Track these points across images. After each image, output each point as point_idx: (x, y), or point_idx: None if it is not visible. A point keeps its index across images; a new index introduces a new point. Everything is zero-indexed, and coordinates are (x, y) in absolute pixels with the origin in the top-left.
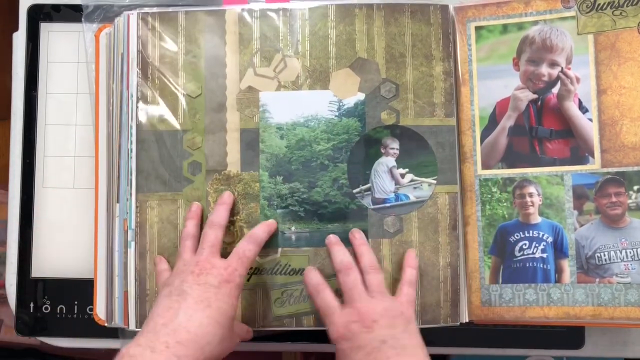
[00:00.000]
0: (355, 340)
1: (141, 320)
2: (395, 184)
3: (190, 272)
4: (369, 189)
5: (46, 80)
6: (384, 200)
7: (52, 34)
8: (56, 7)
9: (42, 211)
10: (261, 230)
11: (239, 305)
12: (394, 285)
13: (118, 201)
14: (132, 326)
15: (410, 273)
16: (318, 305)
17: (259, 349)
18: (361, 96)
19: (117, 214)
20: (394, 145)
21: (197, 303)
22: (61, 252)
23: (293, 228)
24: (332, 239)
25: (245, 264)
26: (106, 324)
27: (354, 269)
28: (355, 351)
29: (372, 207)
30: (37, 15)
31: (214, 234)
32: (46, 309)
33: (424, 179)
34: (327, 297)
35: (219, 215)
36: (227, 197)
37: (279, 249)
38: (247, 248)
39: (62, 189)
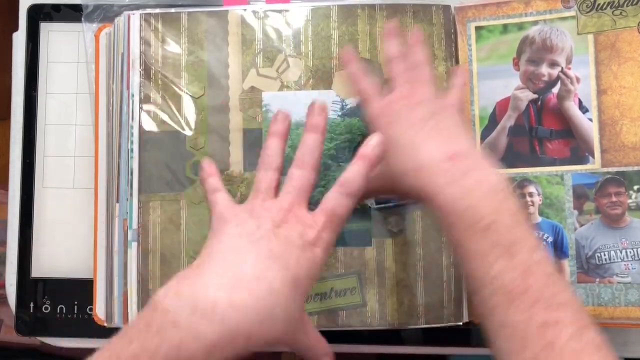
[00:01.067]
0: (396, 115)
1: None
2: None
3: (271, 218)
4: None
5: (46, 80)
6: (388, 200)
7: (52, 34)
8: (56, 7)
9: (42, 211)
10: (355, 173)
11: None
12: (398, 285)
13: (118, 201)
14: None
15: (458, 80)
16: (359, 90)
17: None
18: None
19: (117, 214)
20: None
21: (273, 260)
22: (61, 252)
23: None
24: (385, 30)
25: (335, 225)
26: (106, 324)
27: (407, 60)
28: (397, 124)
29: (376, 206)
30: (37, 15)
31: (303, 176)
32: (46, 309)
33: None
34: (370, 84)
35: (310, 149)
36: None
37: None
38: (338, 203)
39: (62, 189)
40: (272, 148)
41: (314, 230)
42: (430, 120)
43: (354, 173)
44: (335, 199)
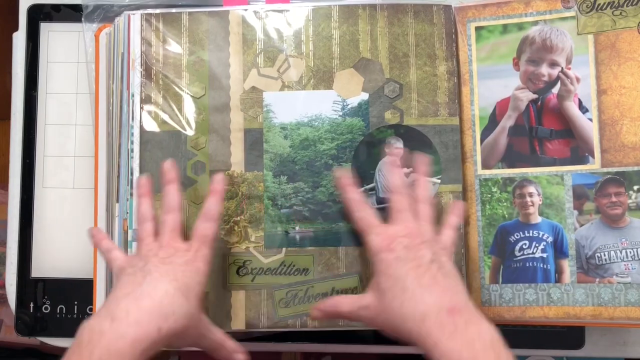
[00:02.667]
0: (402, 252)
1: None
2: None
3: (154, 255)
4: (373, 189)
5: (46, 80)
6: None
7: (52, 34)
8: (56, 7)
9: (42, 211)
10: (213, 204)
11: (243, 305)
12: None
13: (118, 201)
14: None
15: (453, 220)
16: (358, 218)
17: (259, 349)
18: (365, 96)
19: (117, 214)
20: (398, 144)
21: (163, 276)
22: (61, 252)
23: (297, 228)
24: (389, 160)
25: (207, 243)
26: None
27: (410, 195)
28: (402, 263)
29: (377, 206)
30: (37, 15)
31: (171, 218)
32: (46, 309)
33: (428, 178)
34: (370, 212)
35: (171, 197)
36: (171, 171)
37: (284, 249)
38: (204, 227)
39: (62, 189)
40: (143, 206)
41: (190, 252)
42: (433, 264)
43: (210, 204)
44: (202, 225)
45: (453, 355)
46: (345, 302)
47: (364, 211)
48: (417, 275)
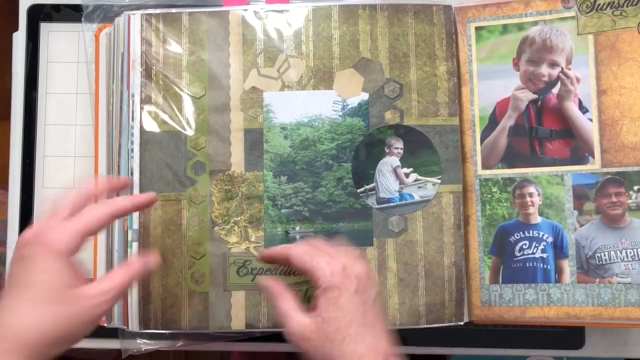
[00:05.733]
0: (355, 285)
1: (145, 322)
2: (400, 184)
3: (16, 248)
4: (373, 189)
5: (46, 80)
6: (389, 200)
7: (52, 34)
8: (56, 7)
9: (42, 211)
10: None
11: (243, 305)
12: (399, 285)
13: None
14: (133, 327)
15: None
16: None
17: (259, 349)
18: (365, 96)
19: None
20: (398, 144)
21: (13, 287)
22: None
23: (297, 228)
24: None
25: (84, 225)
26: (106, 325)
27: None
28: (355, 295)
29: (377, 206)
30: (37, 15)
31: (63, 198)
32: None
33: (428, 179)
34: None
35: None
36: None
37: None
38: (93, 208)
39: (62, 188)
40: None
41: (41, 229)
42: (375, 303)
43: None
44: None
45: None
46: (289, 301)
47: (301, 246)
48: (362, 313)
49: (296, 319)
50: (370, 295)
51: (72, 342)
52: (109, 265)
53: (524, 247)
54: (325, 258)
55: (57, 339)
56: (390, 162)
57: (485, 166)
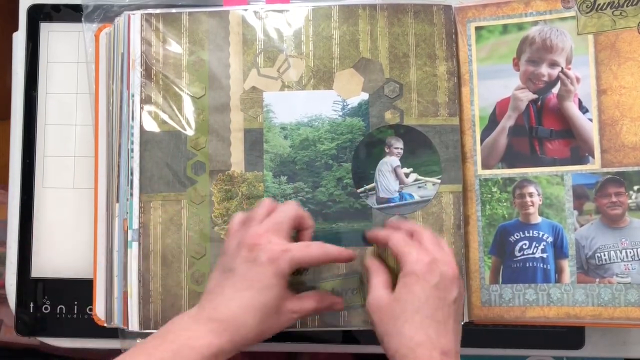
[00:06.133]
0: (436, 279)
1: (145, 322)
2: (400, 184)
3: (245, 246)
4: (373, 189)
5: (46, 80)
6: (389, 200)
7: (52, 34)
8: (56, 7)
9: (42, 211)
10: (336, 253)
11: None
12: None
13: (118, 201)
14: (133, 327)
15: None
16: (395, 241)
17: (259, 349)
18: (365, 96)
19: (117, 214)
20: (398, 144)
21: (241, 282)
22: (61, 252)
23: None
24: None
25: (304, 257)
26: (106, 324)
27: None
28: (430, 289)
29: (377, 206)
30: (37, 15)
31: (284, 214)
32: (46, 309)
33: (428, 179)
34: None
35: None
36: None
37: None
38: (315, 249)
39: (62, 189)
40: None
41: (280, 248)
42: (454, 305)
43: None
44: (312, 245)
45: None
46: (378, 277)
47: (402, 234)
48: (434, 307)
49: (376, 292)
50: (450, 295)
51: (259, 341)
52: (109, 265)
53: (524, 247)
54: (417, 248)
55: (256, 335)
56: (390, 162)
57: (485, 166)
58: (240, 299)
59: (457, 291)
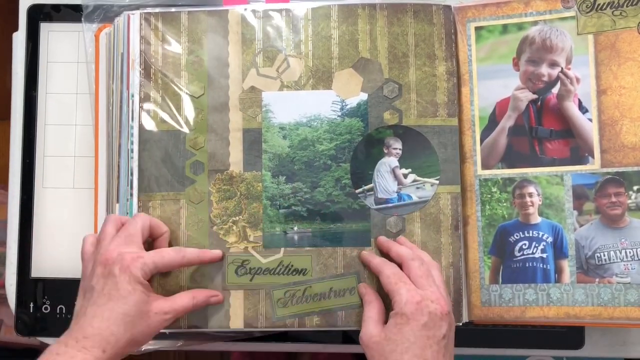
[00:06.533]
0: (425, 318)
1: None
2: (398, 184)
3: (99, 264)
4: (371, 189)
5: (46, 80)
6: (387, 200)
7: (52, 34)
8: (56, 7)
9: (42, 211)
10: (194, 256)
11: (242, 305)
12: None
13: (118, 201)
14: None
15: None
16: (387, 275)
17: (258, 349)
18: (364, 96)
19: (117, 214)
20: (396, 145)
21: (100, 297)
22: (61, 252)
23: (296, 228)
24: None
25: (158, 262)
26: None
27: (423, 260)
28: (420, 328)
29: (375, 207)
30: (37, 15)
31: (133, 226)
32: (46, 309)
33: (426, 179)
34: (398, 270)
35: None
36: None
37: (282, 249)
38: (169, 253)
39: (62, 189)
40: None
41: (132, 257)
42: (443, 341)
43: (192, 254)
44: (170, 250)
45: None
46: (372, 310)
47: (393, 268)
48: (423, 346)
49: (369, 327)
50: (439, 332)
51: (138, 346)
52: None
53: (524, 247)
54: (407, 286)
55: (128, 342)
56: (388, 163)
57: (485, 166)
58: (102, 313)
59: (446, 327)
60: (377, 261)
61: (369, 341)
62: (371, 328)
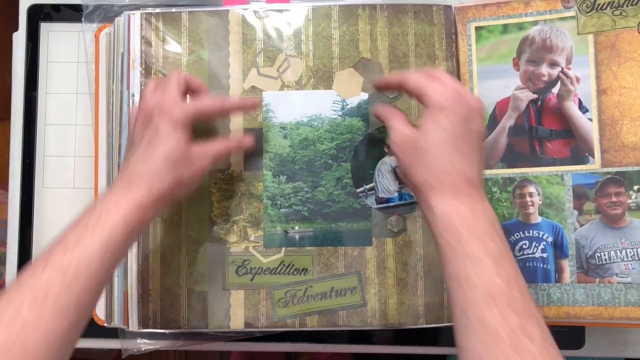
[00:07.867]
0: (459, 109)
1: (144, 321)
2: (399, 184)
3: (141, 117)
4: (372, 189)
5: (46, 80)
6: (388, 200)
7: (52, 34)
8: (56, 7)
9: (42, 211)
10: (235, 101)
11: (242, 304)
12: (398, 284)
13: None
14: (133, 327)
15: None
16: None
17: (259, 349)
18: (364, 96)
19: None
20: None
21: (144, 144)
22: None
23: (297, 227)
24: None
25: (198, 105)
26: (106, 324)
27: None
28: (456, 119)
29: (376, 206)
30: (37, 15)
31: (169, 82)
32: None
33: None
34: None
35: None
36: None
37: (283, 249)
38: (209, 98)
39: (62, 188)
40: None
41: (173, 103)
42: (480, 135)
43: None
44: (207, 98)
45: (455, 214)
46: (397, 117)
47: (414, 73)
48: (460, 138)
49: (399, 129)
50: (474, 126)
51: (184, 189)
52: None
53: (524, 246)
54: (440, 80)
55: (173, 181)
56: (389, 162)
57: (485, 166)
58: (145, 155)
59: (481, 123)
60: (396, 75)
61: (402, 139)
62: (403, 128)
